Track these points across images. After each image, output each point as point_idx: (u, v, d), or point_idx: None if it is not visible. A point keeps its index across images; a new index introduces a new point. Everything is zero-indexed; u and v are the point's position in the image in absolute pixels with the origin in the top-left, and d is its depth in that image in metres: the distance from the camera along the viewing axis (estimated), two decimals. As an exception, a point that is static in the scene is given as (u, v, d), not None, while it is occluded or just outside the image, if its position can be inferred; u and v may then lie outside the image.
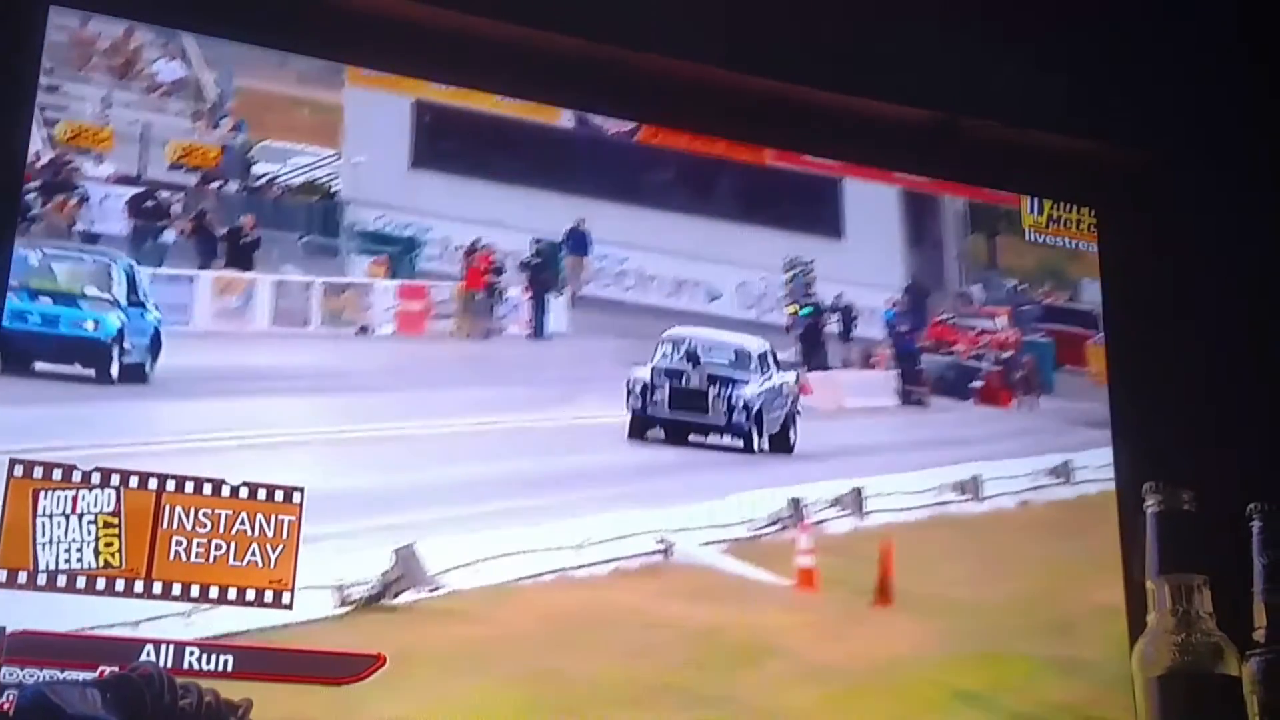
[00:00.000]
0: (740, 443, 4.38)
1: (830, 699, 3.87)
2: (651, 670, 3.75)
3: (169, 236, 3.88)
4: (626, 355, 4.37)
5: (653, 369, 4.42)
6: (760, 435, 4.40)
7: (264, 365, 3.89)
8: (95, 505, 3.08)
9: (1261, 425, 4.01)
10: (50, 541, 3.04)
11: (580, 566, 3.83)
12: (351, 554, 3.57)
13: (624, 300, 4.40)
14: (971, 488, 4.37)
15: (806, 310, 4.54)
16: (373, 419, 3.85)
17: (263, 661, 3.22)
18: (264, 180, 4.04)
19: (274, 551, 3.26)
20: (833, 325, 4.58)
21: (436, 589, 3.64)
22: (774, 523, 4.12)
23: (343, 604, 3.52)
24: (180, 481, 3.21)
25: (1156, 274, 4.26)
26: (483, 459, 3.91)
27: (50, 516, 3.05)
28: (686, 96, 4.03)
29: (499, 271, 4.24)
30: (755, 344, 4.52)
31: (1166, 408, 4.09)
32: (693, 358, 4.51)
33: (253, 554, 3.24)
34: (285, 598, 3.27)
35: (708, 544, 4.02)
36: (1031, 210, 4.53)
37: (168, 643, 3.13)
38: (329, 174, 4.09)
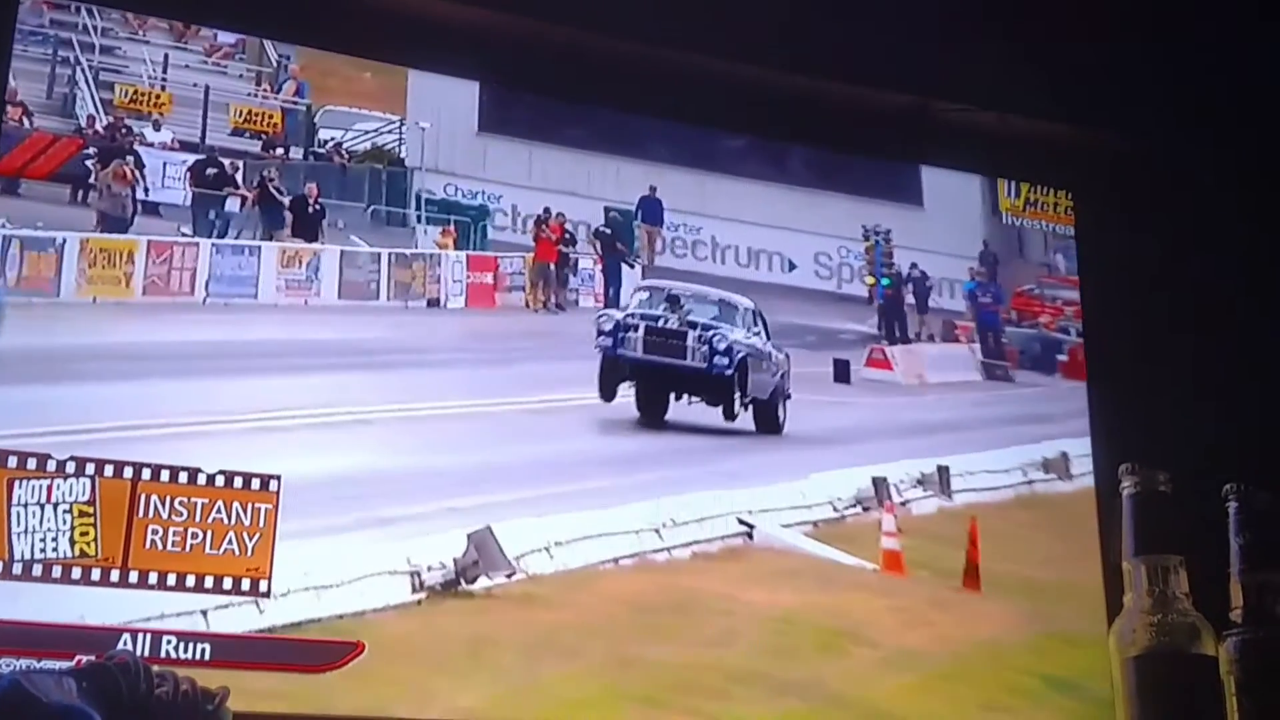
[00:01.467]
0: (719, 406, 4.09)
1: (918, 686, 3.74)
2: (735, 657, 3.61)
3: (233, 205, 3.73)
4: (701, 328, 4.21)
5: (628, 311, 4.16)
6: (743, 393, 4.12)
7: (332, 340, 3.74)
8: (70, 494, 3.00)
9: (1238, 407, 3.92)
10: (25, 531, 2.96)
11: (660, 550, 3.69)
12: (424, 538, 3.43)
13: (699, 271, 4.23)
14: (1059, 466, 4.20)
15: (886, 281, 4.37)
16: (444, 396, 3.71)
17: (240, 650, 3.12)
18: (329, 146, 3.88)
19: (251, 540, 3.16)
20: (910, 296, 4.41)
21: (513, 574, 3.50)
22: (857, 503, 3.98)
23: (417, 590, 3.39)
24: (156, 470, 3.10)
25: (1133, 256, 4.16)
26: (558, 437, 3.77)
27: (25, 506, 2.97)
28: (666, 84, 3.87)
29: (571, 241, 4.08)
30: (740, 300, 4.28)
31: (1143, 389, 3.99)
32: (673, 302, 4.21)
33: (229, 542, 3.14)
34: (263, 585, 3.16)
35: (790, 525, 3.87)
36: (1008, 193, 4.42)
37: (144, 631, 3.03)
38: (395, 139, 3.94)
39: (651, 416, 4.02)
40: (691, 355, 4.16)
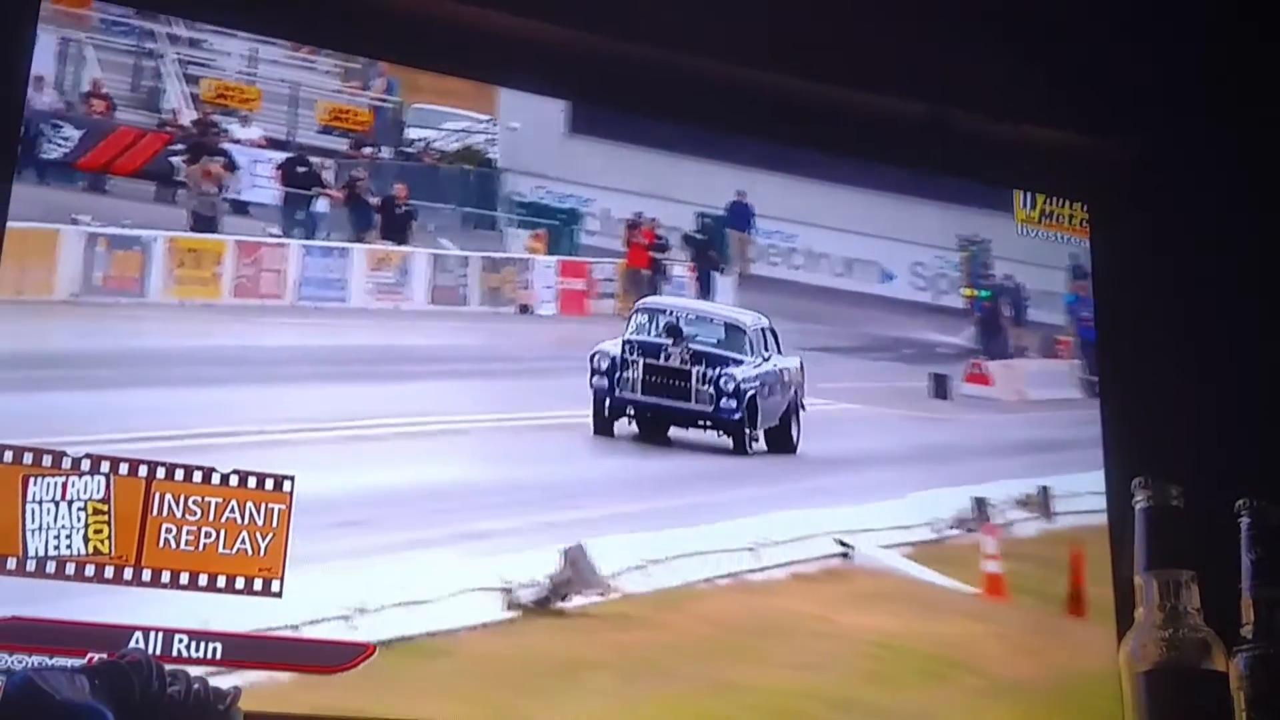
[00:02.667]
0: (729, 440, 3.86)
1: (1022, 716, 3.59)
2: (830, 683, 3.48)
3: (321, 205, 3.61)
4: (793, 340, 4.05)
5: (624, 342, 3.87)
6: (754, 428, 3.89)
7: (425, 345, 3.62)
8: (85, 492, 2.95)
9: (1252, 421, 3.79)
10: (40, 528, 2.91)
11: (756, 570, 3.55)
12: (517, 553, 3.31)
13: (793, 280, 4.09)
14: (1164, 488, 4.04)
15: (985, 294, 4.23)
16: (539, 406, 3.59)
17: (252, 650, 3.04)
18: (418, 145, 3.76)
19: (264, 539, 3.08)
20: (1006, 309, 4.27)
21: (605, 593, 3.37)
22: (958, 524, 3.83)
23: (510, 608, 3.26)
24: (170, 469, 3.04)
25: (1148, 268, 4.03)
26: (650, 452, 3.64)
27: (40, 503, 2.92)
28: (682, 89, 3.75)
29: (663, 248, 3.94)
30: (750, 319, 4.02)
31: (1157, 403, 3.86)
32: (674, 331, 3.91)
33: (242, 542, 3.06)
34: (275, 585, 3.07)
35: (889, 546, 3.73)
36: (1024, 205, 4.27)
37: (156, 630, 2.95)
38: (485, 140, 3.81)
39: (653, 441, 3.84)
40: (696, 397, 3.90)
